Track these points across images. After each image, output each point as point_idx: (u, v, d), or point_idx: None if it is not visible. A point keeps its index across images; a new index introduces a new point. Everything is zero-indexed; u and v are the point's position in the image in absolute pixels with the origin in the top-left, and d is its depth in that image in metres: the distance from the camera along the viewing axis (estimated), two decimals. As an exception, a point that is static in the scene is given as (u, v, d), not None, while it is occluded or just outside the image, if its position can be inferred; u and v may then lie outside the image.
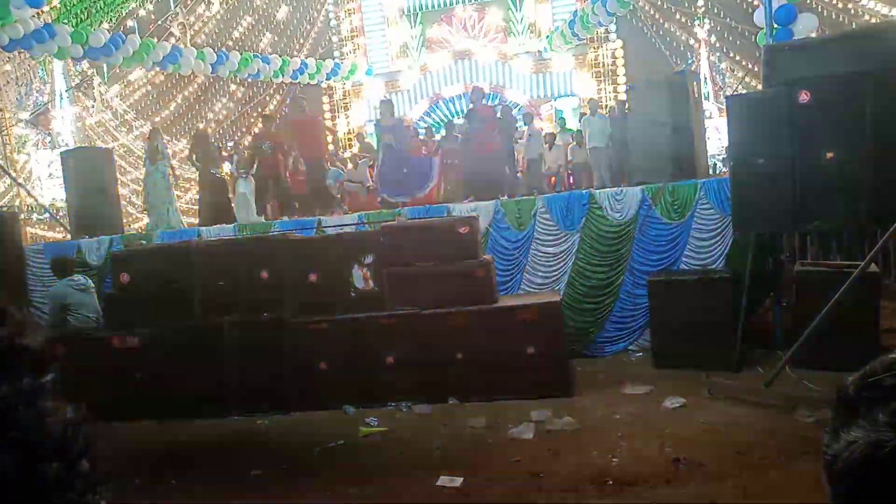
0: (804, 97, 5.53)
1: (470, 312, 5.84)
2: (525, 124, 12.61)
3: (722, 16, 17.35)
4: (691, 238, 6.74)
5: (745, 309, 5.94)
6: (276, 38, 18.72)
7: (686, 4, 17.89)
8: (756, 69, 15.08)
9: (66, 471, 0.38)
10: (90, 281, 6.86)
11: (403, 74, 17.85)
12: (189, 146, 11.07)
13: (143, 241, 8.11)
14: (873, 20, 14.22)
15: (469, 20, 17.71)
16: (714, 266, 6.60)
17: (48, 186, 16.38)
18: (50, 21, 11.82)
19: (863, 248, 6.62)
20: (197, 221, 10.62)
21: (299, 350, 6.01)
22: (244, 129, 18.63)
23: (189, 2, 17.45)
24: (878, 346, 5.38)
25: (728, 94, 13.33)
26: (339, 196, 11.11)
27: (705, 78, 17.08)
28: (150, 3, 15.73)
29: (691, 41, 18.12)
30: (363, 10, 18.28)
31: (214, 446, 5.35)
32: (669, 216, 6.82)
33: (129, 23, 15.65)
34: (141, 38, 13.43)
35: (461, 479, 4.08)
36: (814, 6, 13.82)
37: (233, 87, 18.79)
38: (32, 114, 17.01)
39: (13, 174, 14.36)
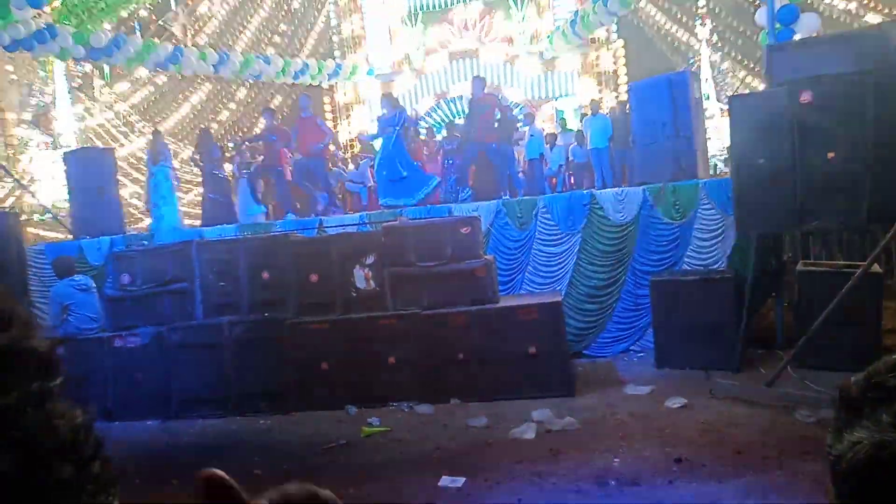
0: (806, 97, 5.52)
1: (471, 312, 5.84)
2: (526, 124, 12.61)
3: (723, 16, 17.35)
4: (693, 238, 6.74)
5: (746, 309, 5.93)
6: (278, 40, 18.76)
7: (687, 4, 17.89)
8: (757, 69, 15.09)
9: (78, 473, 0.38)
10: (91, 281, 6.87)
11: (404, 75, 17.85)
12: (193, 146, 11.11)
13: (145, 242, 8.11)
14: (876, 20, 14.20)
15: (470, 20, 17.71)
16: (716, 266, 6.59)
17: (49, 187, 16.39)
18: (51, 21, 11.83)
19: (864, 249, 6.61)
20: (199, 222, 10.64)
21: (300, 350, 6.01)
22: (246, 129, 18.64)
23: (190, 2, 17.47)
24: (880, 347, 5.38)
25: (729, 94, 13.32)
26: (340, 196, 11.13)
27: (706, 78, 17.06)
28: (151, 4, 15.74)
29: (692, 41, 18.11)
30: (364, 10, 18.29)
31: (216, 446, 5.36)
32: (671, 216, 6.81)
33: (131, 23, 15.68)
34: (142, 38, 13.45)
35: (463, 480, 4.08)
36: (815, 6, 13.81)
37: (240, 92, 18.79)
38: (34, 115, 17.02)
39: (15, 174, 14.38)
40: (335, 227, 7.70)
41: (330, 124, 17.39)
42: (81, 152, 11.31)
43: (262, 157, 10.47)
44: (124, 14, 15.27)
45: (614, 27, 16.75)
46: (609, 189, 8.14)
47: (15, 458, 0.36)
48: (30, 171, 16.48)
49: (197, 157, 10.45)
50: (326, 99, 18.41)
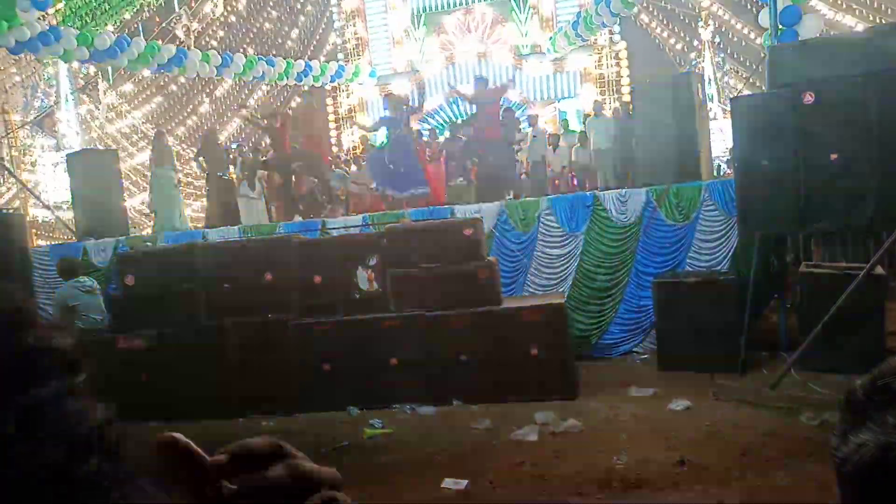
0: (809, 98, 5.52)
1: (474, 314, 5.84)
2: (529, 125, 12.61)
3: (726, 17, 17.34)
4: (696, 240, 6.73)
5: (749, 311, 5.92)
6: (278, 41, 18.80)
7: (690, 6, 17.89)
8: (760, 70, 15.07)
9: (103, 465, 0.41)
10: (96, 283, 6.88)
11: (406, 77, 17.85)
12: (197, 148, 11.15)
13: (149, 243, 8.13)
14: (879, 21, 14.19)
15: (472, 21, 17.71)
16: (719, 268, 6.58)
17: (54, 188, 16.44)
18: (55, 24, 11.87)
19: (868, 250, 6.60)
20: (203, 223, 10.66)
21: (303, 351, 6.02)
22: (248, 129, 18.66)
23: (193, 4, 17.52)
24: (883, 349, 5.36)
25: (732, 95, 13.31)
26: (343, 197, 11.14)
27: (709, 79, 17.05)
28: (153, 6, 15.80)
29: (695, 42, 18.11)
30: (367, 12, 18.30)
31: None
32: (674, 218, 6.81)
33: (134, 25, 15.73)
34: (146, 40, 13.48)
35: (465, 482, 4.08)
36: (818, 7, 13.81)
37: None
38: (37, 116, 17.08)
39: (19, 176, 14.43)
40: (338, 228, 7.72)
41: (333, 131, 17.47)
42: (85, 154, 11.35)
43: (264, 159, 10.48)
44: (127, 16, 15.34)
45: (617, 28, 16.74)
46: (612, 190, 8.13)
47: (55, 453, 0.38)
48: (34, 172, 16.54)
49: (201, 158, 10.48)
50: (329, 101, 18.42)
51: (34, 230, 13.55)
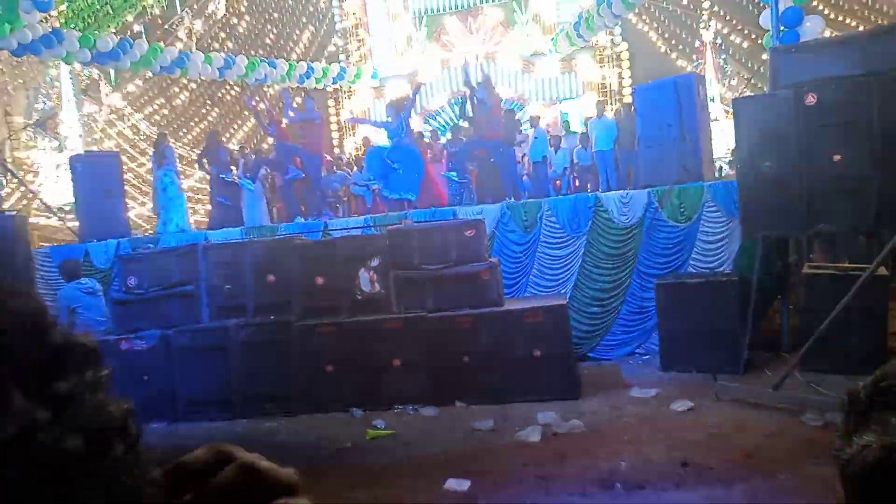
0: (811, 99, 5.52)
1: (476, 315, 5.84)
2: (531, 126, 12.60)
3: (728, 18, 17.33)
4: (698, 241, 6.72)
5: (752, 312, 5.92)
6: (277, 42, 18.81)
7: (692, 7, 17.87)
8: (762, 71, 15.06)
9: (127, 453, 0.43)
10: (98, 284, 6.89)
11: (406, 79, 17.85)
12: (200, 150, 11.15)
13: (151, 245, 8.14)
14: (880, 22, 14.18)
15: (473, 23, 17.72)
16: (721, 269, 6.57)
17: (56, 190, 16.46)
18: (58, 26, 11.90)
19: (871, 251, 6.59)
20: (205, 226, 10.67)
21: (306, 353, 6.03)
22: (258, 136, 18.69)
23: (196, 6, 17.54)
24: (886, 350, 5.36)
25: (734, 96, 13.30)
26: (344, 199, 11.15)
27: (711, 80, 17.03)
28: (156, 8, 15.82)
29: (697, 43, 18.09)
30: (368, 13, 18.32)
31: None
32: (676, 219, 6.80)
33: (136, 27, 15.75)
34: (148, 42, 13.51)
35: (468, 482, 4.08)
36: (820, 8, 13.80)
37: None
38: (40, 118, 17.11)
39: (22, 177, 14.46)
40: (340, 229, 7.72)
41: (335, 134, 17.47)
42: (88, 156, 11.37)
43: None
44: (129, 18, 15.36)
45: (618, 29, 16.74)
46: (614, 192, 8.13)
47: (82, 438, 0.40)
48: (36, 173, 16.58)
49: (204, 160, 10.49)
50: (332, 103, 18.44)
51: (36, 232, 13.56)
